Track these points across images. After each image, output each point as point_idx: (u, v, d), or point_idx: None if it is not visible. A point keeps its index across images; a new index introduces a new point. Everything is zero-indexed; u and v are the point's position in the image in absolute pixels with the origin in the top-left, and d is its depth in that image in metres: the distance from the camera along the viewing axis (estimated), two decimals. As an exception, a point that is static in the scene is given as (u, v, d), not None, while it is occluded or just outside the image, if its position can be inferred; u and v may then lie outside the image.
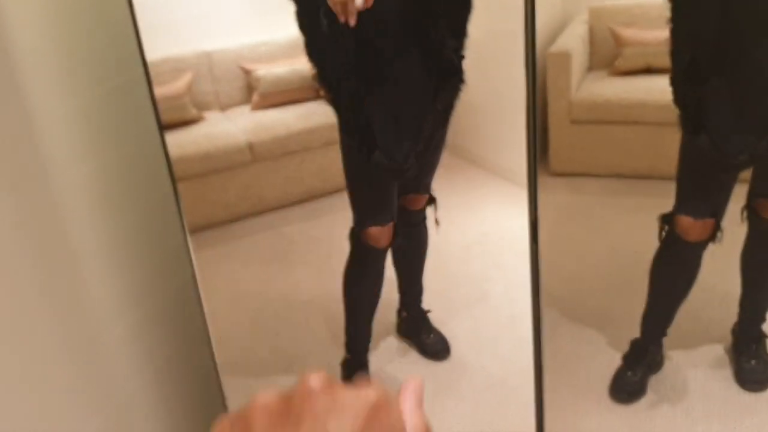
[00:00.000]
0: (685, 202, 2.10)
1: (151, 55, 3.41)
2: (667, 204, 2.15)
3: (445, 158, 3.79)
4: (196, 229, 3.30)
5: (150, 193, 1.91)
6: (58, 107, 1.56)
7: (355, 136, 1.91)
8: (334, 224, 2.40)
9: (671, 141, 2.12)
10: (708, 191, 2.08)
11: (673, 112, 2.07)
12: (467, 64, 1.99)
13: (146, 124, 1.81)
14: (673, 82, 2.03)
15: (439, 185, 2.26)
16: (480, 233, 3.16)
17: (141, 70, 1.71)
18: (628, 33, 3.25)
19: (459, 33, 1.91)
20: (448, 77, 1.92)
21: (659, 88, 3.06)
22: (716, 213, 2.06)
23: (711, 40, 1.87)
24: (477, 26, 1.97)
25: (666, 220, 2.14)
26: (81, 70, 1.65)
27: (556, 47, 3.19)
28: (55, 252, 1.57)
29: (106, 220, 1.75)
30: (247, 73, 3.55)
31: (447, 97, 1.96)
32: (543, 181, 1.94)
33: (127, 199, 1.84)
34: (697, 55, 1.92)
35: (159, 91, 3.35)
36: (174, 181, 1.86)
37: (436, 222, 2.28)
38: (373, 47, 1.82)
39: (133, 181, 1.86)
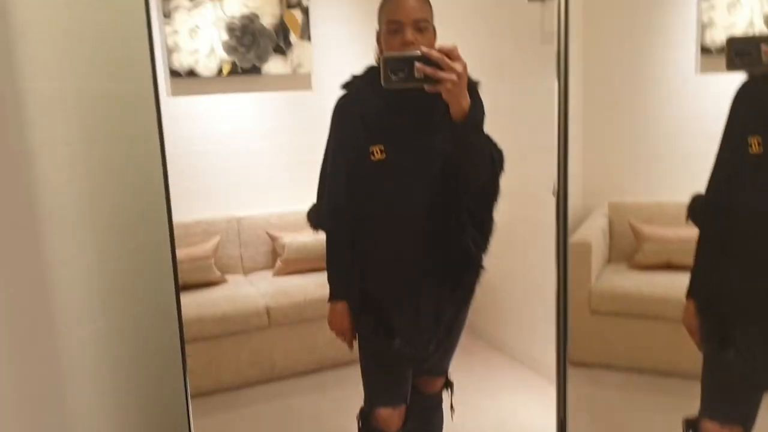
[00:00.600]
0: (710, 406, 1.99)
1: (184, 218, 3.56)
2: (690, 405, 2.06)
3: (464, 339, 3.74)
4: (203, 393, 3.23)
5: (157, 357, 1.89)
6: (77, 261, 1.58)
7: (375, 326, 1.91)
8: (344, 398, 2.33)
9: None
10: (736, 398, 1.97)
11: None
12: (491, 247, 2.01)
13: (164, 286, 1.82)
14: (695, 295, 2.00)
15: (456, 367, 2.21)
16: (497, 420, 3.04)
17: (167, 232, 1.75)
18: (647, 229, 3.32)
19: (481, 223, 1.96)
20: (466, 268, 1.92)
21: (680, 285, 3.07)
22: (746, 421, 1.94)
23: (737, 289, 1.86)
24: (501, 212, 2.02)
25: (691, 425, 2.02)
26: (107, 228, 1.69)
27: (576, 237, 3.24)
28: (53, 414, 1.53)
29: (108, 382, 1.72)
30: (273, 239, 3.65)
31: (466, 286, 1.96)
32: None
33: (133, 362, 1.82)
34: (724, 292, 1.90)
35: (187, 251, 3.45)
36: (183, 348, 1.84)
37: (452, 408, 2.19)
38: (392, 245, 1.85)
39: (141, 343, 1.84)
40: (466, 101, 1.58)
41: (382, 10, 1.78)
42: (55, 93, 1.55)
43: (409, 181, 1.81)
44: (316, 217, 2.00)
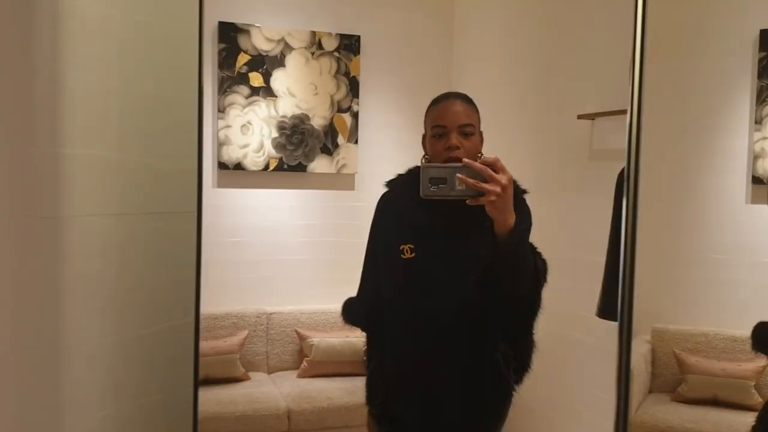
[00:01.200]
0: None
1: (214, 309, 3.52)
2: None
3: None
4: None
5: None
6: (95, 341, 1.52)
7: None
8: None
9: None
10: None
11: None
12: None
13: (183, 378, 1.74)
14: None
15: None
16: None
17: (192, 319, 1.69)
18: (692, 360, 3.16)
19: (515, 338, 1.86)
20: (495, 389, 1.81)
21: (728, 423, 2.87)
22: None
23: None
24: (540, 331, 1.93)
25: None
26: (131, 308, 1.63)
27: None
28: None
29: None
30: (301, 338, 3.57)
31: (495, 404, 1.83)
32: None
33: None
34: None
35: (213, 344, 3.39)
36: None
37: None
38: (414, 354, 1.77)
39: None
40: (511, 216, 1.50)
41: (428, 115, 1.79)
42: (95, 162, 1.53)
43: (435, 285, 1.75)
44: (348, 311, 1.94)
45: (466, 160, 1.47)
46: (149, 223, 1.63)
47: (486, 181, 1.45)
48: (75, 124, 1.46)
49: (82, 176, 1.49)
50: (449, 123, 1.71)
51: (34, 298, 1.44)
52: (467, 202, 1.47)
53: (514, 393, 1.91)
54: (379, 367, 1.87)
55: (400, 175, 1.88)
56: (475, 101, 1.82)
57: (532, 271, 1.66)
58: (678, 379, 3.15)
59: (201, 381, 3.27)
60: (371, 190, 1.98)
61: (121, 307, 1.60)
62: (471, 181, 1.45)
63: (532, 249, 1.72)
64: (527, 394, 1.98)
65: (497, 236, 1.53)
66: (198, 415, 1.74)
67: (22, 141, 1.41)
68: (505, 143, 3.40)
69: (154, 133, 1.65)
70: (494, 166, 1.46)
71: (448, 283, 1.74)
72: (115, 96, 1.55)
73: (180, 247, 1.66)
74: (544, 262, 1.76)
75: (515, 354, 1.84)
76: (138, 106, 1.60)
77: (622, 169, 1.80)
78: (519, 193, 1.68)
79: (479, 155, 1.80)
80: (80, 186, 1.48)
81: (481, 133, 1.78)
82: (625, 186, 1.69)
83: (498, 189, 1.44)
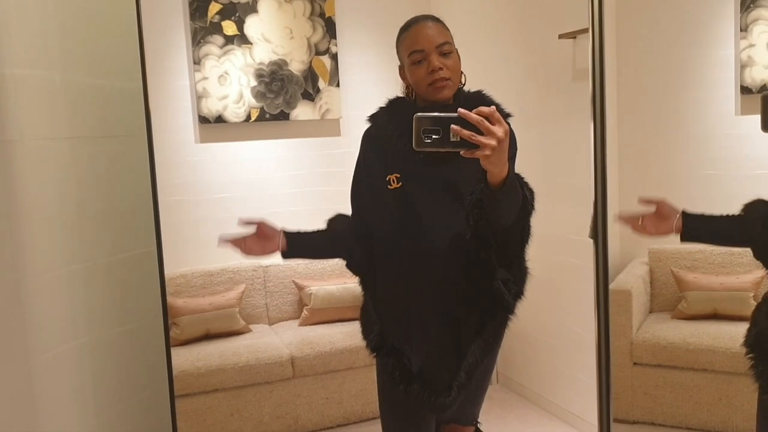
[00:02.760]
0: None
1: (209, 266, 3.50)
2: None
3: (496, 391, 3.58)
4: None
5: (144, 377, 1.74)
6: (59, 269, 1.47)
7: (392, 369, 1.80)
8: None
9: (746, 393, 1.91)
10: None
11: (746, 363, 1.88)
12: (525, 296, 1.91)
13: (153, 301, 1.70)
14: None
15: (488, 419, 2.07)
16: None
17: (154, 243, 1.64)
18: (690, 277, 3.16)
19: (512, 265, 1.84)
20: (495, 310, 1.80)
21: (729, 335, 2.88)
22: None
23: None
24: (534, 258, 1.91)
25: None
26: (93, 234, 1.57)
27: (616, 285, 3.10)
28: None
29: (89, 405, 1.59)
30: (300, 288, 3.56)
31: (493, 329, 1.83)
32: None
33: (119, 384, 1.67)
34: None
35: (211, 300, 3.38)
36: (170, 367, 1.71)
37: (483, 460, 2.04)
38: (408, 283, 1.76)
39: (127, 363, 1.69)
40: (505, 167, 1.45)
41: (402, 43, 1.74)
42: (40, 83, 1.45)
43: (424, 213, 1.73)
44: (336, 223, 1.89)
45: (461, 110, 1.38)
46: (101, 146, 1.58)
47: (482, 133, 1.38)
48: (12, 44, 1.39)
49: (27, 98, 1.42)
50: (426, 46, 1.66)
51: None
52: (461, 153, 1.40)
53: (511, 316, 1.90)
54: (371, 300, 1.85)
55: (381, 108, 1.84)
56: (454, 26, 1.76)
57: (521, 202, 1.63)
58: (677, 297, 3.15)
59: (202, 336, 3.28)
60: (357, 135, 1.93)
61: (82, 234, 1.56)
62: (466, 133, 1.38)
63: (519, 180, 1.69)
64: (524, 321, 1.97)
65: (489, 184, 1.49)
66: (170, 342, 1.72)
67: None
68: (485, 68, 3.33)
69: (96, 52, 1.59)
70: (491, 117, 1.38)
71: (437, 211, 1.72)
72: (53, 14, 1.48)
73: (134, 171, 1.63)
74: (531, 192, 1.73)
75: (511, 279, 1.83)
76: (77, 24, 1.54)
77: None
78: (503, 116, 1.63)
79: (461, 73, 1.75)
80: (27, 108, 1.42)
81: (457, 51, 1.73)
82: (592, 108, 1.64)
83: (494, 142, 1.37)
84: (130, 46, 1.56)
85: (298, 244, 1.80)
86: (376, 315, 1.83)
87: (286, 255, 1.79)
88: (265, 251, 1.76)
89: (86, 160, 1.55)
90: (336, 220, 1.88)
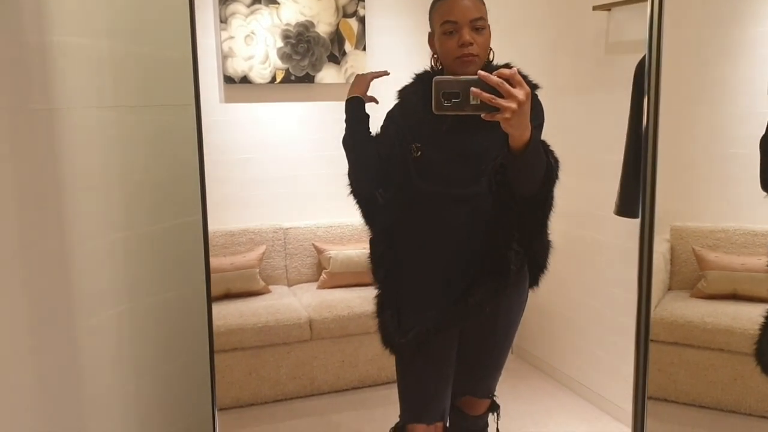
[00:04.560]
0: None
1: (230, 226, 3.53)
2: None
3: (511, 362, 3.60)
4: (241, 405, 3.16)
5: (184, 346, 1.78)
6: (103, 237, 1.49)
7: (392, 319, 1.84)
8: (384, 418, 2.22)
9: (761, 374, 1.92)
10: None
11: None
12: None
13: (195, 272, 1.73)
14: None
15: (502, 391, 2.09)
16: (542, 449, 2.89)
17: (200, 214, 1.66)
18: (712, 256, 3.14)
19: (534, 237, 1.83)
20: (503, 286, 1.78)
21: (747, 316, 2.87)
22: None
23: None
24: (555, 232, 1.91)
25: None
26: (137, 204, 1.59)
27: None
28: (70, 402, 1.46)
29: (129, 370, 1.64)
30: (319, 251, 3.58)
31: (485, 293, 1.82)
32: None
33: (159, 350, 1.72)
34: None
35: (231, 260, 3.41)
36: (212, 337, 1.74)
37: (498, 432, 2.07)
38: (425, 253, 1.79)
39: (167, 331, 1.74)
40: (527, 130, 1.43)
41: (436, 11, 1.72)
42: (86, 51, 1.44)
43: (444, 182, 1.74)
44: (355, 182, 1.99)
45: (482, 72, 1.36)
46: (148, 116, 1.59)
47: (502, 96, 1.35)
48: (60, 11, 1.39)
49: (74, 66, 1.43)
50: (460, 18, 1.65)
51: (36, 193, 1.40)
52: (482, 116, 1.39)
53: (528, 292, 1.91)
54: (382, 243, 1.91)
55: (406, 86, 1.86)
56: (483, -4, 1.74)
57: (544, 170, 1.62)
58: (697, 276, 3.13)
59: (222, 296, 3.33)
60: (382, 99, 1.94)
61: (128, 202, 1.58)
62: (486, 95, 1.35)
63: (545, 147, 1.68)
64: (546, 295, 1.98)
65: (511, 149, 1.48)
66: (212, 311, 1.75)
67: (4, 29, 1.33)
68: (516, 39, 3.28)
69: (144, 20, 1.58)
70: (511, 79, 1.36)
71: (458, 179, 1.73)
72: None
73: (181, 141, 1.63)
74: (556, 160, 1.72)
75: (530, 254, 1.83)
76: None
77: (640, 62, 1.71)
78: (531, 88, 1.61)
79: (490, 50, 1.73)
80: (73, 76, 1.43)
81: (489, 27, 1.71)
82: (646, 80, 1.61)
83: (514, 105, 1.35)
84: (180, 16, 1.55)
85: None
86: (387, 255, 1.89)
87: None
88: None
89: (132, 129, 1.56)
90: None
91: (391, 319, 1.84)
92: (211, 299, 1.73)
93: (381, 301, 1.90)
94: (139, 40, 1.57)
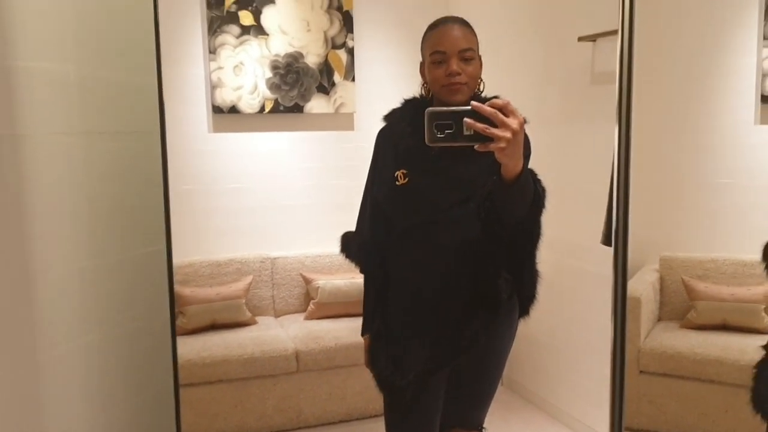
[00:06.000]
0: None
1: (217, 255, 3.50)
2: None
3: (501, 393, 3.56)
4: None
5: (153, 376, 1.74)
6: (69, 265, 1.46)
7: (386, 356, 1.82)
8: (372, 452, 2.18)
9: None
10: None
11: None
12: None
13: (160, 305, 1.70)
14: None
15: (492, 423, 2.06)
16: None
17: (164, 246, 1.63)
18: (701, 286, 3.13)
19: (523, 266, 1.83)
20: (493, 316, 1.76)
21: (737, 347, 2.86)
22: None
23: None
24: (543, 262, 1.89)
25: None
26: (104, 231, 1.57)
27: (624, 291, 3.07)
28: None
29: (96, 403, 1.59)
30: (307, 281, 3.55)
31: (478, 324, 1.80)
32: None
33: (127, 381, 1.68)
34: None
35: (218, 290, 3.38)
36: (176, 368, 1.70)
37: (486, 465, 2.02)
38: (413, 280, 1.78)
39: (136, 361, 1.69)
40: (520, 161, 1.43)
41: (426, 41, 1.74)
42: (53, 76, 1.43)
43: (432, 211, 1.73)
44: (344, 245, 1.96)
45: (474, 103, 1.35)
46: (114, 142, 1.57)
47: (496, 126, 1.35)
48: (27, 36, 1.38)
49: (40, 92, 1.41)
50: (449, 48, 1.66)
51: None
52: (475, 148, 1.37)
53: (518, 322, 1.90)
54: (375, 297, 1.88)
55: (395, 110, 1.86)
56: (473, 27, 1.75)
57: (532, 199, 1.62)
58: (687, 307, 3.12)
59: (207, 327, 3.28)
60: (371, 130, 1.95)
61: (94, 230, 1.55)
62: (480, 126, 1.34)
63: (533, 176, 1.68)
64: (533, 325, 1.96)
65: (503, 178, 1.47)
66: (176, 342, 1.71)
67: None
68: (503, 69, 3.30)
69: (112, 46, 1.57)
70: (504, 109, 1.36)
71: (446, 206, 1.72)
72: (69, 7, 1.47)
73: (148, 169, 1.62)
74: (543, 189, 1.72)
75: (519, 283, 1.82)
76: (93, 17, 1.52)
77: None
78: None
79: (479, 80, 1.74)
80: (40, 102, 1.41)
81: (480, 58, 1.72)
82: (617, 111, 1.61)
83: (508, 135, 1.35)
84: (147, 41, 1.54)
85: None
86: (379, 309, 1.87)
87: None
88: None
89: (99, 155, 1.54)
90: (347, 240, 1.94)
91: (387, 363, 1.81)
92: (175, 330, 1.70)
93: (375, 347, 1.87)
94: (106, 66, 1.55)
